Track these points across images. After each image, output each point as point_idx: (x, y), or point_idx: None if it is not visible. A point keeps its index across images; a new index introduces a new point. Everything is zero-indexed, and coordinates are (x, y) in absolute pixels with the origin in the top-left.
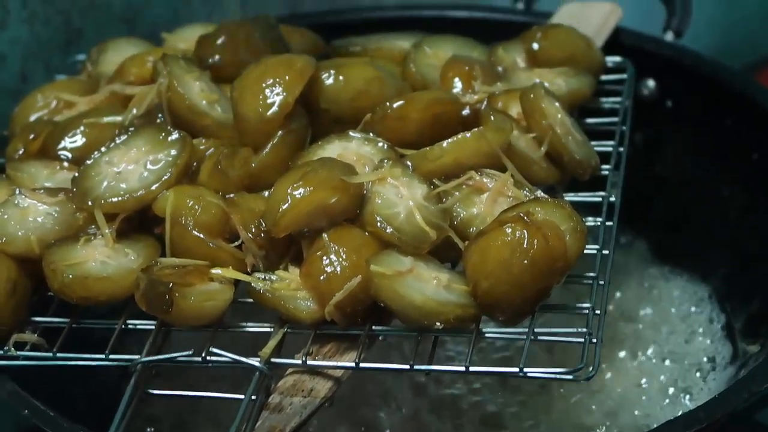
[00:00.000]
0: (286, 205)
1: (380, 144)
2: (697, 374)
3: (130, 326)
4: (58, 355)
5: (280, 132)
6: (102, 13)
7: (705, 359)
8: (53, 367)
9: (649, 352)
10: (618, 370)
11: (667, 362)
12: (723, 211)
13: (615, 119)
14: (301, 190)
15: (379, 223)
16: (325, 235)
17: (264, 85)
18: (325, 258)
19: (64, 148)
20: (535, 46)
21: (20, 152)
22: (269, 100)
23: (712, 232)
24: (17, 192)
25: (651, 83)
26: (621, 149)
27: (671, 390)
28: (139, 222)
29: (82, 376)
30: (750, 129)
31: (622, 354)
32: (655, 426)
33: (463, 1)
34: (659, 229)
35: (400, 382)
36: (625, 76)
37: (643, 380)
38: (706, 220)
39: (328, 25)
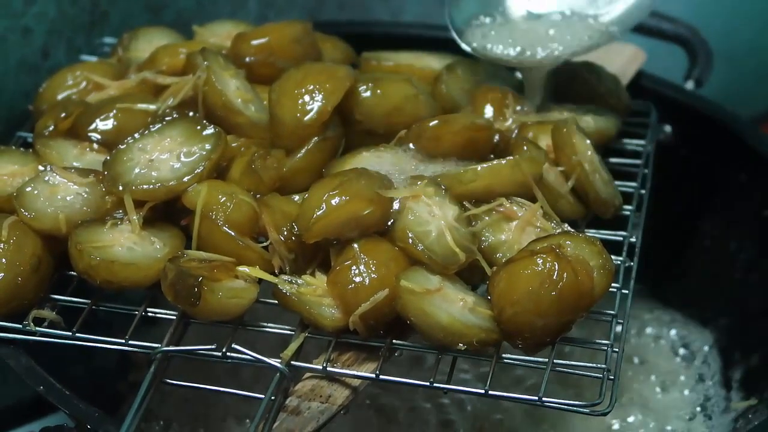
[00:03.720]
0: (321, 211)
1: (412, 161)
2: (692, 422)
3: (149, 314)
4: (77, 335)
5: (315, 138)
6: None
7: (700, 407)
8: (59, 346)
9: (645, 394)
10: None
11: (662, 407)
12: (729, 263)
13: (638, 161)
14: (337, 199)
15: (410, 240)
16: (356, 246)
17: (304, 90)
18: (354, 268)
19: (95, 130)
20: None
21: (50, 129)
22: (308, 106)
23: (716, 284)
24: (48, 169)
25: (668, 129)
26: (643, 191)
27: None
28: (164, 211)
29: (82, 357)
30: (763, 186)
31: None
32: None
33: None
34: (664, 276)
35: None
36: (648, 119)
37: (638, 423)
38: (711, 271)
39: (351, 35)
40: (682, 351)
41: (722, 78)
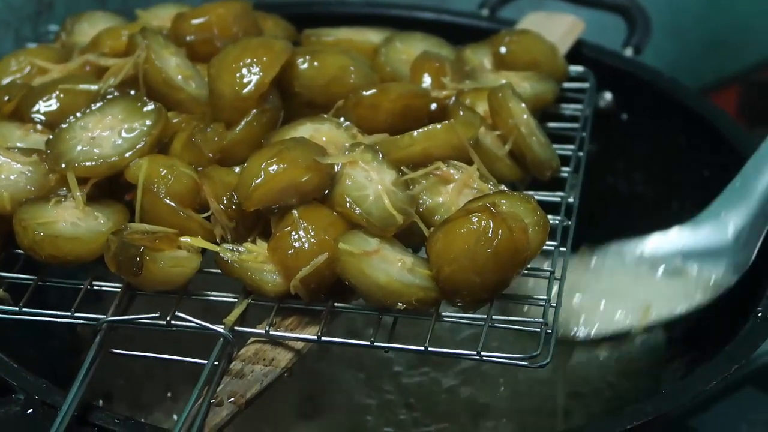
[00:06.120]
0: (259, 179)
1: (351, 129)
2: (635, 377)
3: (95, 287)
4: (24, 309)
5: (254, 110)
6: None
7: (645, 361)
8: (8, 325)
9: (585, 350)
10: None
11: (606, 361)
12: (671, 225)
13: (575, 125)
14: (275, 167)
15: (348, 204)
16: (295, 212)
17: (242, 64)
18: (293, 234)
19: (38, 111)
20: (503, 49)
21: None
22: (246, 79)
23: None
24: None
25: (608, 96)
26: (580, 153)
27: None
28: (109, 188)
29: (36, 337)
30: (702, 147)
31: None
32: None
33: (430, 4)
34: (605, 239)
35: None
36: (586, 85)
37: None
38: (653, 232)
39: (295, 16)
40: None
41: (668, 51)
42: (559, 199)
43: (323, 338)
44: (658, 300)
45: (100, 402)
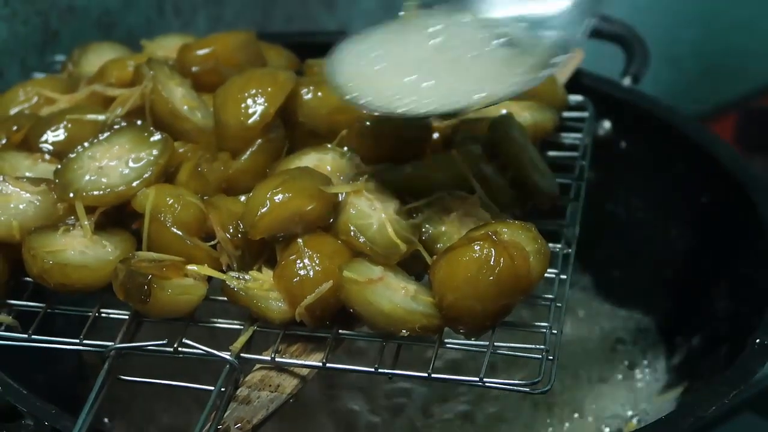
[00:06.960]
0: (265, 208)
1: (354, 158)
2: (634, 404)
3: (103, 314)
4: (33, 337)
5: (259, 140)
6: (79, 17)
7: (642, 391)
8: (17, 352)
9: (586, 379)
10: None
11: (604, 390)
12: (670, 251)
13: (575, 154)
14: (280, 196)
15: (352, 233)
16: (300, 240)
17: (247, 94)
18: (299, 262)
19: (46, 141)
20: None
21: (2, 142)
22: (251, 110)
23: (658, 271)
24: (1, 179)
25: (607, 124)
26: (580, 182)
27: (610, 419)
28: (116, 217)
29: (43, 363)
30: (700, 174)
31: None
32: None
33: None
34: (605, 265)
35: None
36: (585, 114)
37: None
38: (652, 259)
39: (298, 46)
40: (627, 338)
41: (666, 80)
42: (559, 227)
43: (328, 365)
44: (491, 77)
45: (105, 420)
